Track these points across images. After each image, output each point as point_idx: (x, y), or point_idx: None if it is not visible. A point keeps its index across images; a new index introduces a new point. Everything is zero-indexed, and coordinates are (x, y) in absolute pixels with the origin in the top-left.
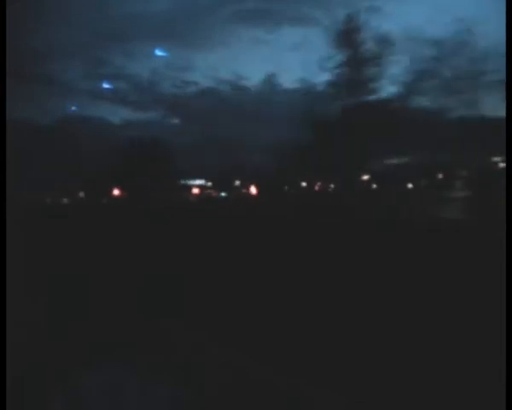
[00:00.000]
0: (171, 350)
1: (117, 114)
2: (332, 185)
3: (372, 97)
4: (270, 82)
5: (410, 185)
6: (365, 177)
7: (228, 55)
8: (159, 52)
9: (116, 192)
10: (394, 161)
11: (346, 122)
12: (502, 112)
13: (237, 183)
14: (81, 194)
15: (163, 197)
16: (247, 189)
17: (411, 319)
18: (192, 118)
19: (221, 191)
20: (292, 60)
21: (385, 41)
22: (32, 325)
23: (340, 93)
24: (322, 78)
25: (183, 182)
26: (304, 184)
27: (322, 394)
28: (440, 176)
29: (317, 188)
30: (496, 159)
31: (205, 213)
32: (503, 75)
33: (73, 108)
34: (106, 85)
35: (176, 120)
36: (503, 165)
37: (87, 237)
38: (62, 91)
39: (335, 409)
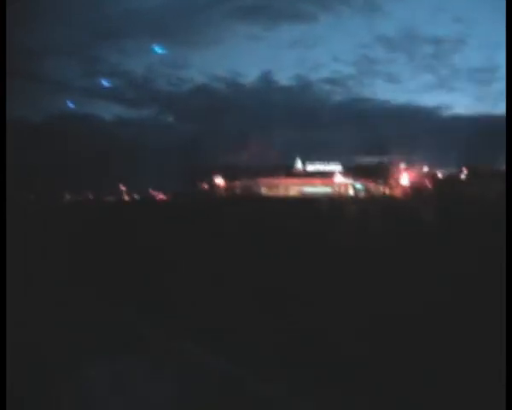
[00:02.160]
0: None
1: (111, 112)
2: None
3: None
4: (266, 79)
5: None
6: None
7: (224, 53)
8: (158, 49)
9: (219, 181)
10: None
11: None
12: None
13: None
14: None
15: None
16: None
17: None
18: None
19: None
20: (289, 57)
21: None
22: None
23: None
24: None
25: None
26: None
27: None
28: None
29: None
30: None
31: None
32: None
33: (71, 105)
34: (101, 83)
35: (170, 118)
36: None
37: None
38: (57, 89)
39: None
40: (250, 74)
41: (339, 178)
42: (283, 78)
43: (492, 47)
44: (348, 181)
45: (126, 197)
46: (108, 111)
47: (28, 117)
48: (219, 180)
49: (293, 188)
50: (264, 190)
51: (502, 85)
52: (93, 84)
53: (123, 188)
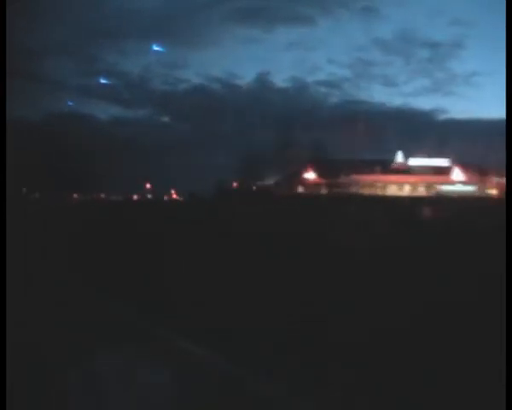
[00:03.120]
0: None
1: (109, 111)
2: None
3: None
4: (263, 81)
5: None
6: None
7: (222, 54)
8: (156, 47)
9: (311, 176)
10: None
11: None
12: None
13: None
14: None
15: None
16: None
17: None
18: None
19: None
20: (286, 59)
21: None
22: None
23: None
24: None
25: None
26: None
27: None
28: None
29: None
30: None
31: None
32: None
33: (69, 104)
34: (99, 83)
35: (166, 118)
36: None
37: None
38: (56, 89)
39: None
40: (247, 76)
41: (457, 176)
42: (280, 79)
43: (489, 51)
44: (458, 179)
45: (135, 197)
46: (106, 111)
47: (27, 116)
48: (311, 175)
49: (399, 186)
50: (361, 189)
51: (498, 89)
52: (91, 83)
53: (148, 186)
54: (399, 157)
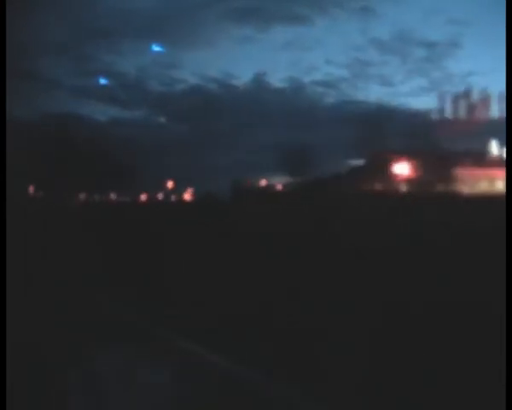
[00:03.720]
0: None
1: (105, 113)
2: None
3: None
4: (259, 81)
5: None
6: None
7: (218, 54)
8: (155, 47)
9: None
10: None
11: None
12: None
13: None
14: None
15: None
16: None
17: None
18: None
19: None
20: (282, 59)
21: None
22: None
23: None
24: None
25: None
26: None
27: None
28: None
29: None
30: None
31: None
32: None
33: (64, 106)
34: (96, 82)
35: (162, 119)
36: None
37: None
38: (51, 88)
39: None
40: (243, 76)
41: None
42: (276, 80)
43: (485, 50)
44: None
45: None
46: (104, 111)
47: (24, 116)
48: (403, 169)
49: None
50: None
51: (495, 89)
52: (87, 83)
53: (169, 186)
54: (494, 147)
